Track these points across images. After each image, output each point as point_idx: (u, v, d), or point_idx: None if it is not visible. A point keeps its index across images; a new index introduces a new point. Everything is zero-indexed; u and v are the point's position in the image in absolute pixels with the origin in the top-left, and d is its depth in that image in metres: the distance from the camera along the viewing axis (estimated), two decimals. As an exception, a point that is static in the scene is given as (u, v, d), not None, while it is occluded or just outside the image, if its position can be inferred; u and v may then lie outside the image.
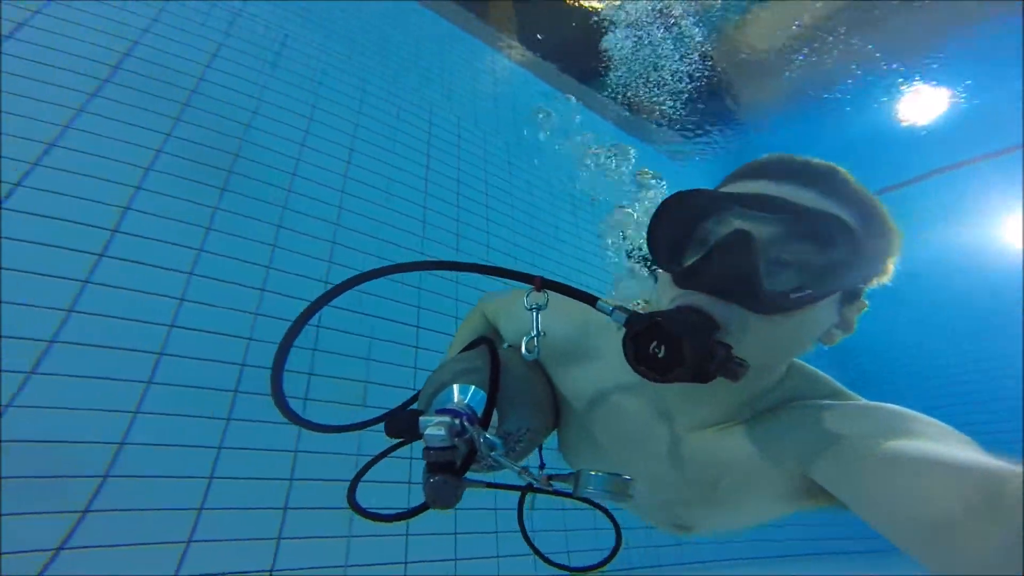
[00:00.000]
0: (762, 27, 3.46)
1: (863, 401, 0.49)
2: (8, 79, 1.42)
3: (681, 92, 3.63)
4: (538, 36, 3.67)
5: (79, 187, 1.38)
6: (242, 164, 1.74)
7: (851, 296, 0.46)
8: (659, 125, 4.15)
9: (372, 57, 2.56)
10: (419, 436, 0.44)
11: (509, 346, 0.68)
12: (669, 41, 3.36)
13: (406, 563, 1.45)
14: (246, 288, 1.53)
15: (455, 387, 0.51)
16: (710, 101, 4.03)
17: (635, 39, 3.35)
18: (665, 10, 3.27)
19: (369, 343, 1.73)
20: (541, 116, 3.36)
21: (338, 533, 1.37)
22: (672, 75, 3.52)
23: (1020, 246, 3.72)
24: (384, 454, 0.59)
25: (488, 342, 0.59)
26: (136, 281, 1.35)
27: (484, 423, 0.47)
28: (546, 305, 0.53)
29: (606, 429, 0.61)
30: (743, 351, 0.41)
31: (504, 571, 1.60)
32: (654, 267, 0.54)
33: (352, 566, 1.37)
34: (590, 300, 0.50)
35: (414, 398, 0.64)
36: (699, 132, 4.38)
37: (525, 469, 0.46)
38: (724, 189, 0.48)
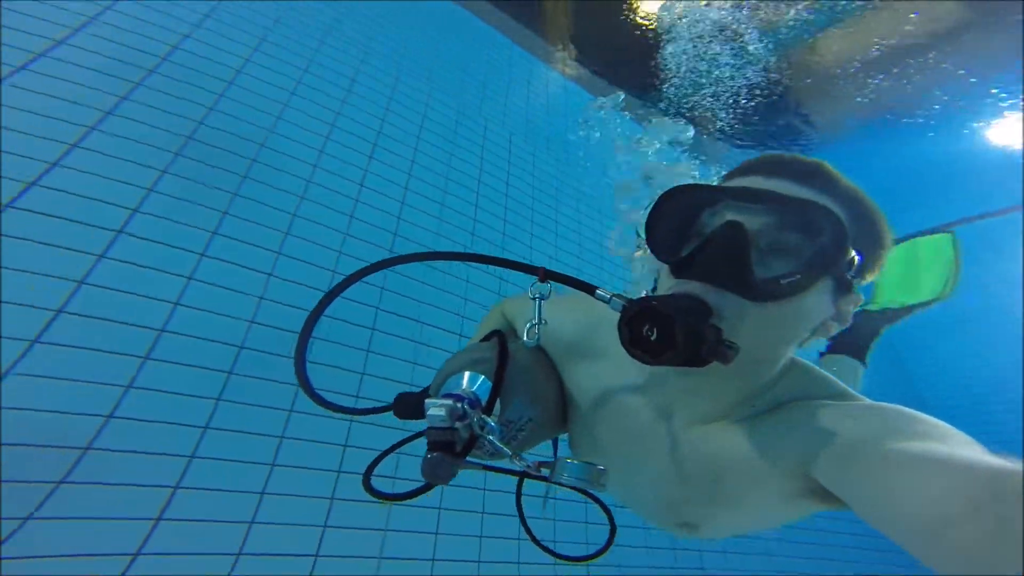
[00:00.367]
0: (837, 47, 3.28)
1: (866, 401, 0.49)
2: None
3: (743, 107, 3.53)
4: (593, 50, 3.70)
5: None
6: (319, 175, 1.98)
7: (844, 288, 0.47)
8: (719, 140, 4.05)
9: (445, 73, 2.75)
10: (423, 416, 0.46)
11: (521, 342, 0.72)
12: (730, 56, 3.29)
13: (433, 561, 1.57)
14: (314, 290, 1.76)
15: (465, 375, 0.53)
16: (775, 117, 3.89)
17: (697, 53, 3.30)
18: (729, 25, 3.19)
19: (419, 328, 1.87)
20: (583, 133, 3.41)
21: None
22: (735, 90, 3.43)
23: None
24: (401, 444, 0.62)
25: (500, 335, 0.61)
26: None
27: (487, 410, 0.50)
28: (548, 295, 0.56)
29: (609, 427, 0.62)
30: (738, 339, 0.43)
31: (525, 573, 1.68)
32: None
33: (386, 558, 1.46)
34: (589, 289, 0.52)
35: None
36: (761, 149, 4.22)
37: (517, 455, 0.48)
38: (719, 185, 0.51)
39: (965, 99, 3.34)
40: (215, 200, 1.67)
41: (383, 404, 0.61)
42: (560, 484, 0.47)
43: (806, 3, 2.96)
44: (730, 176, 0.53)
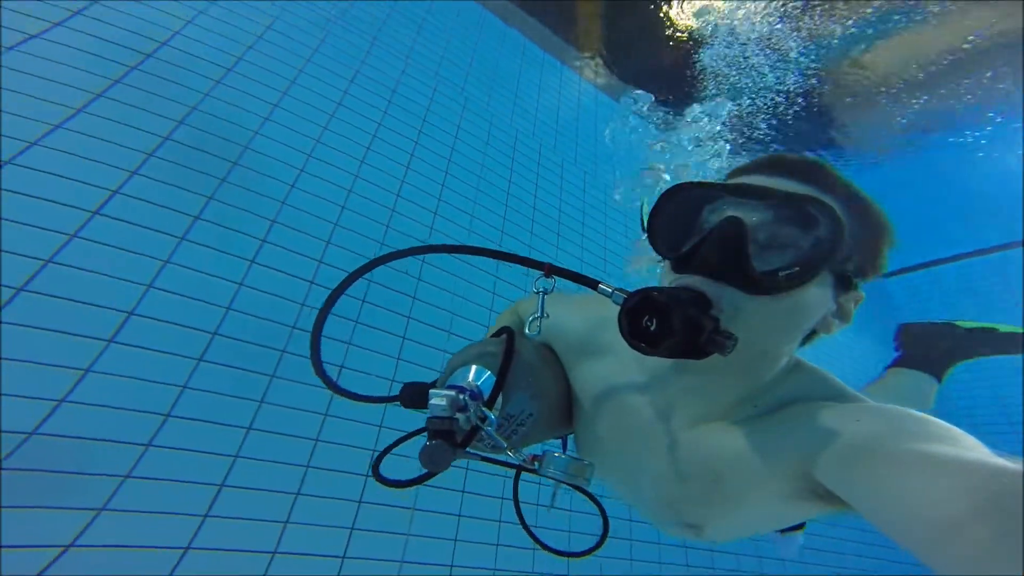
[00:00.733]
0: (884, 62, 3.16)
1: (870, 402, 0.49)
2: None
3: (781, 117, 3.45)
4: (625, 59, 3.66)
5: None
6: (360, 184, 2.05)
7: (845, 285, 0.47)
8: (756, 149, 3.97)
9: (475, 84, 2.79)
10: (426, 406, 0.48)
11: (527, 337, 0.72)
12: (769, 66, 3.21)
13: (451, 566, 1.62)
14: (348, 296, 1.83)
15: (472, 368, 0.55)
16: (812, 130, 3.78)
17: (733, 61, 3.24)
18: (769, 37, 3.12)
19: (451, 319, 1.94)
20: (608, 134, 3.40)
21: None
22: (773, 101, 3.36)
23: None
24: (409, 436, 0.63)
25: (509, 331, 0.62)
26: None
27: (489, 403, 0.51)
28: (552, 289, 0.58)
29: (611, 426, 0.62)
30: (736, 332, 0.43)
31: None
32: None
33: (407, 563, 1.51)
34: (592, 284, 0.53)
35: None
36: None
37: (514, 448, 0.50)
38: (719, 183, 0.52)
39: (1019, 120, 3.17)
40: (264, 206, 1.75)
41: (391, 395, 0.63)
42: (547, 477, 0.49)
43: (857, 12, 2.85)
44: (731, 175, 0.54)
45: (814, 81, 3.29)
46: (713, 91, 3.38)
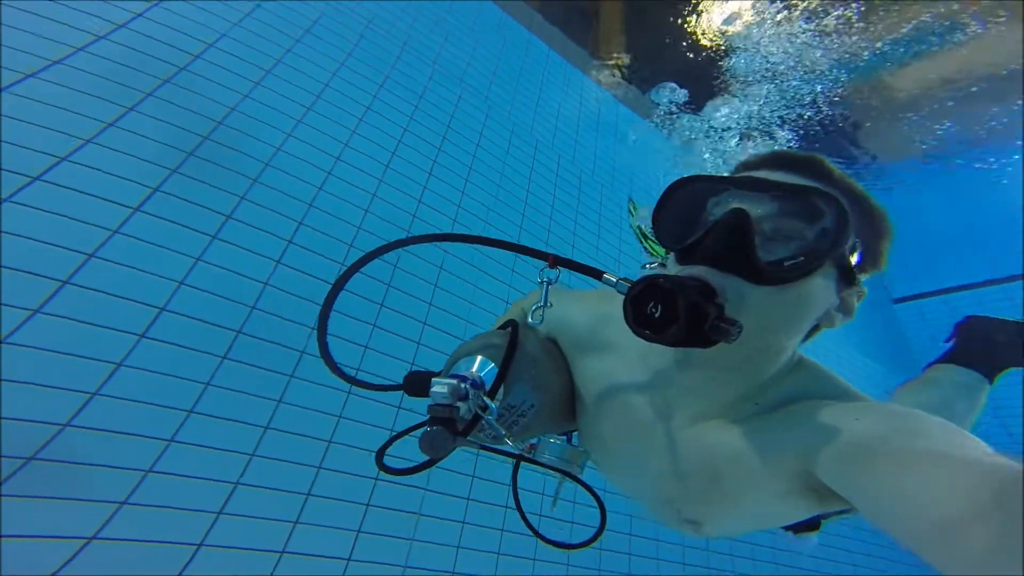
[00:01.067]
0: (911, 82, 3.12)
1: (871, 400, 0.49)
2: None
3: (806, 128, 3.42)
4: (646, 69, 3.66)
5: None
6: (383, 189, 2.07)
7: (847, 279, 0.48)
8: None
9: (500, 89, 2.81)
10: (428, 394, 0.49)
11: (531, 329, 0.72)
12: (798, 79, 3.18)
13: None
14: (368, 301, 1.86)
15: (476, 359, 0.56)
16: (832, 145, 3.74)
17: (756, 72, 3.22)
18: (798, 53, 3.09)
19: (469, 308, 1.97)
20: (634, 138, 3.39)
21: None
22: (797, 115, 3.33)
23: None
24: (414, 428, 0.64)
25: (514, 323, 0.63)
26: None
27: (491, 393, 0.52)
28: (556, 280, 0.59)
29: (613, 422, 0.62)
30: (742, 322, 0.43)
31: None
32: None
33: (411, 568, 1.53)
34: (596, 274, 0.54)
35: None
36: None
37: (512, 437, 0.51)
38: (725, 176, 0.53)
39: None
40: (289, 212, 1.78)
41: (394, 383, 0.64)
42: (543, 464, 0.50)
43: (893, 31, 2.80)
44: (736, 171, 0.55)
45: (836, 99, 3.25)
46: (736, 103, 3.36)
